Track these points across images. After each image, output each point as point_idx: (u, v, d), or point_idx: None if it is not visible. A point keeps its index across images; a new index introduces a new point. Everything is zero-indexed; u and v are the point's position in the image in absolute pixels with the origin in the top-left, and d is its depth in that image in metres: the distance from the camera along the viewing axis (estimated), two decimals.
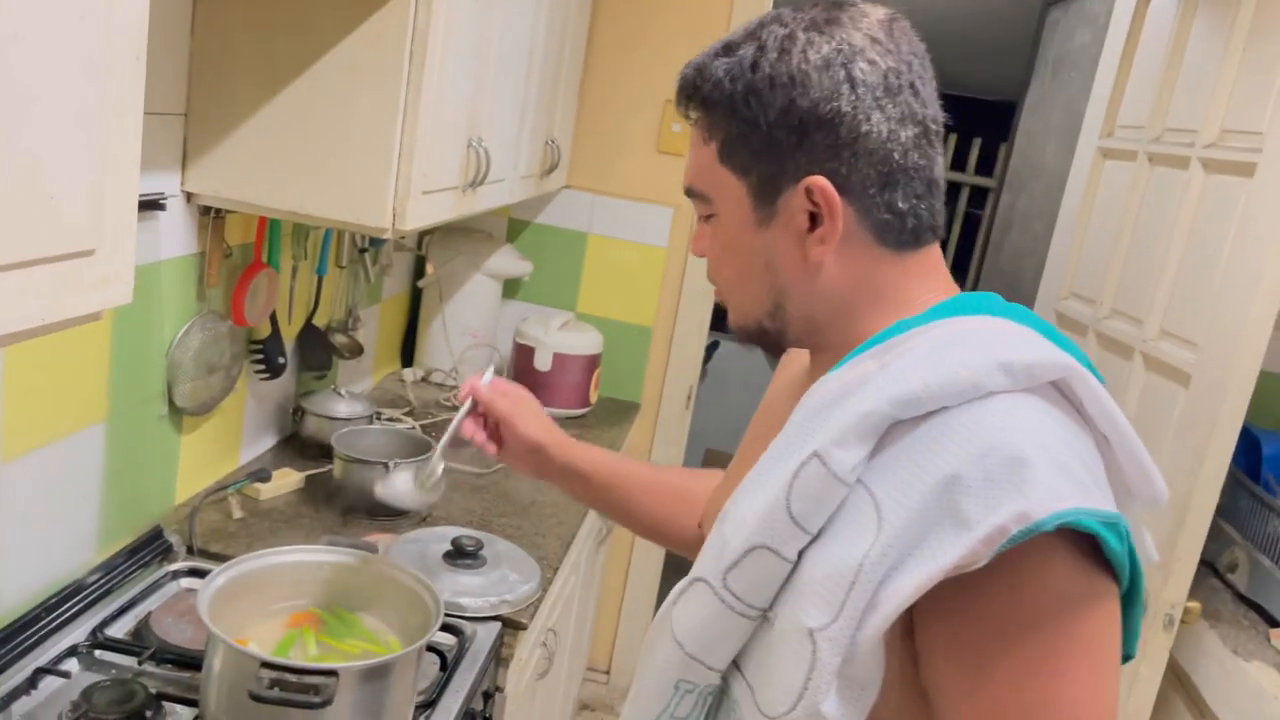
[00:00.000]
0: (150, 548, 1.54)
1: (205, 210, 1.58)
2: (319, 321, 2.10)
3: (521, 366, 2.53)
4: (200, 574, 1.49)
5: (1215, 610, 2.12)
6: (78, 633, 1.33)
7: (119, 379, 1.47)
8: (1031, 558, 0.66)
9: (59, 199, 0.72)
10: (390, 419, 2.26)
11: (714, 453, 4.16)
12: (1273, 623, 2.08)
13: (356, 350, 2.21)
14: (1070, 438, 0.71)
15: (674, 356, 2.77)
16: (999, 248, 4.20)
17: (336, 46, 1.43)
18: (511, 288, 2.78)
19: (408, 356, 2.73)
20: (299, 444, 2.03)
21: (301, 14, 1.43)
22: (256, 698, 1.06)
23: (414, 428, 2.21)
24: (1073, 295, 2.57)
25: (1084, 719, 0.67)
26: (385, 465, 1.77)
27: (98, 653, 1.31)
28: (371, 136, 1.45)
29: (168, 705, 1.21)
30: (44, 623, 1.32)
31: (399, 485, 1.25)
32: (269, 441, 2.03)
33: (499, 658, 1.54)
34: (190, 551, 1.59)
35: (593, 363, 2.57)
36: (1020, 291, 3.43)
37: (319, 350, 2.10)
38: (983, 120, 5.01)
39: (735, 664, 0.80)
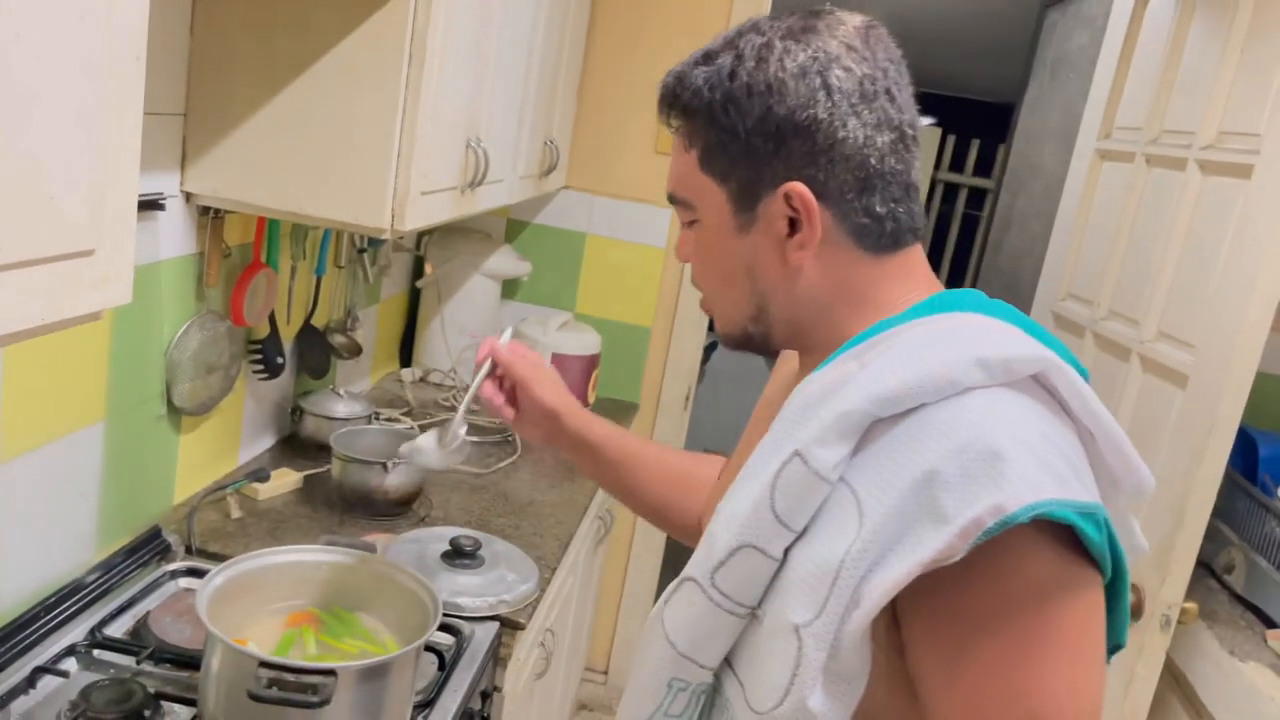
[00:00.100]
0: (149, 547, 1.54)
1: (204, 210, 1.59)
2: (318, 322, 2.10)
3: None
4: (199, 574, 1.50)
5: (1212, 611, 2.12)
6: (76, 632, 1.34)
7: (118, 379, 1.47)
8: (1009, 550, 0.66)
9: (59, 199, 0.72)
10: (389, 419, 2.27)
11: (712, 453, 4.15)
12: (1269, 623, 2.08)
13: (355, 350, 2.22)
14: (1050, 430, 0.71)
15: (672, 357, 2.77)
16: (997, 248, 4.21)
17: (336, 47, 1.43)
18: (510, 288, 2.78)
19: (406, 357, 2.73)
20: (297, 444, 2.03)
21: (301, 14, 1.43)
22: (255, 697, 1.06)
23: (412, 428, 2.21)
24: (1070, 296, 2.57)
25: (1064, 706, 0.67)
26: (384, 465, 1.77)
27: (96, 652, 1.31)
28: (370, 137, 1.45)
29: (166, 705, 1.21)
30: (42, 622, 1.32)
31: (423, 444, 1.24)
32: (267, 441, 2.03)
33: (497, 657, 1.55)
34: (189, 551, 1.59)
35: (591, 363, 2.57)
36: (1018, 292, 3.44)
37: (317, 350, 2.10)
38: (981, 121, 5.03)
39: (727, 662, 0.81)
